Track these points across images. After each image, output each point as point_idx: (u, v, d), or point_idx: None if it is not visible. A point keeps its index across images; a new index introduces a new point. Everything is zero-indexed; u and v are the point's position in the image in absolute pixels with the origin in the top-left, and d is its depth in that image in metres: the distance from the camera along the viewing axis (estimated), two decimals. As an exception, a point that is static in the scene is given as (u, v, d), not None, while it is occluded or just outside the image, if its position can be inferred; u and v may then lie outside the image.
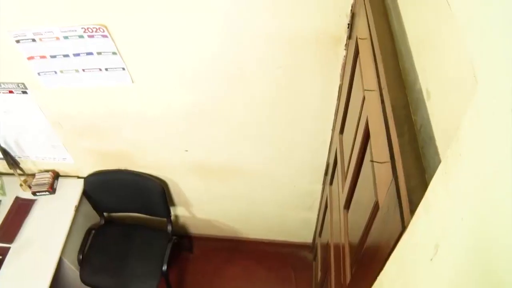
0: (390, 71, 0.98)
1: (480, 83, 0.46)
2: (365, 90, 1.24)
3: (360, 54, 1.37)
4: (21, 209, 2.31)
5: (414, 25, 0.93)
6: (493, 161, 0.41)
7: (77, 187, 2.42)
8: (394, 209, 0.78)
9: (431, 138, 0.79)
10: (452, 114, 0.64)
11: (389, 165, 0.87)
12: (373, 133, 1.12)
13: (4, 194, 2.39)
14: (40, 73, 1.78)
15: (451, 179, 0.50)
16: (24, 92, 1.91)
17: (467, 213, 0.46)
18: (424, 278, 0.60)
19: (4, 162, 2.28)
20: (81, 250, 2.50)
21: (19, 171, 2.33)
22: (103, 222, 2.72)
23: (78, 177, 2.47)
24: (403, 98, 0.92)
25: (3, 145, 2.21)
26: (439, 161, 0.75)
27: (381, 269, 0.85)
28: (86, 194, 2.48)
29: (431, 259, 0.56)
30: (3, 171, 2.46)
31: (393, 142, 0.87)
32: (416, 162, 0.81)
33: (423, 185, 0.77)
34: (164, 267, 2.42)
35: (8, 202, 2.35)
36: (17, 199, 2.36)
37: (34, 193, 2.35)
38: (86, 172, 2.45)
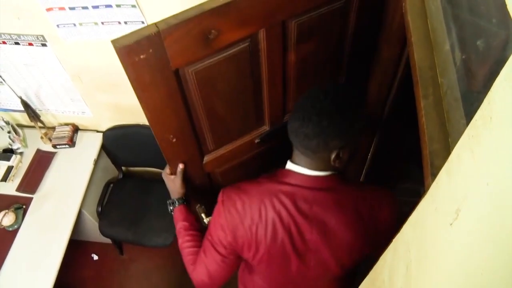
0: (417, 30, 0.95)
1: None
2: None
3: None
4: (42, 161, 2.36)
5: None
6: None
7: (96, 141, 2.46)
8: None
9: (457, 101, 0.76)
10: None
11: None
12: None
13: (26, 146, 2.44)
14: (59, 25, 1.76)
15: (478, 143, 0.48)
16: (44, 45, 1.91)
17: (493, 178, 0.45)
18: (442, 242, 0.59)
19: (25, 115, 2.31)
20: (100, 203, 2.57)
21: (39, 124, 2.36)
22: (121, 176, 2.78)
23: (97, 131, 2.50)
24: (429, 58, 0.89)
25: (24, 98, 2.23)
26: (464, 125, 0.73)
27: (397, 232, 0.85)
28: (105, 148, 2.51)
29: (450, 224, 0.55)
30: (25, 123, 2.50)
31: (417, 104, 0.85)
32: (440, 125, 0.79)
33: (446, 149, 0.76)
34: (181, 222, 2.47)
35: (30, 154, 2.40)
36: (38, 151, 2.41)
37: (54, 146, 2.39)
38: (105, 126, 2.47)
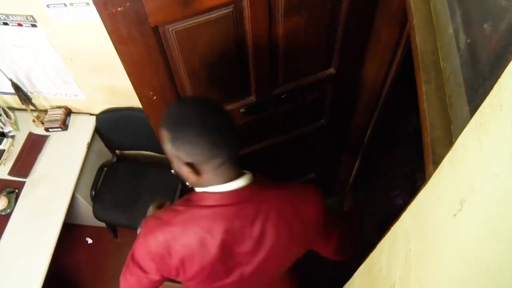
0: (419, 12, 0.92)
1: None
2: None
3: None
4: (34, 145, 2.33)
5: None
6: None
7: (89, 124, 2.42)
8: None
9: (460, 86, 0.74)
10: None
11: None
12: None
13: (17, 129, 2.40)
14: (49, 6, 1.71)
15: (486, 132, 0.46)
16: (34, 26, 1.85)
17: (502, 170, 0.43)
18: (444, 234, 0.57)
19: (16, 98, 2.27)
20: (94, 187, 2.54)
21: (31, 107, 2.32)
22: (115, 159, 2.75)
23: (90, 114, 2.46)
24: (432, 42, 0.86)
25: (15, 80, 2.18)
26: (468, 112, 0.71)
27: (396, 219, 0.84)
28: (98, 131, 2.48)
29: (454, 215, 0.53)
30: (16, 106, 2.45)
31: (418, 89, 0.83)
32: (441, 111, 0.77)
33: (448, 136, 0.73)
34: (175, 206, 2.46)
35: (21, 138, 2.36)
36: (30, 134, 2.37)
37: (46, 129, 2.35)
38: (98, 109, 2.43)
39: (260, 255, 1.16)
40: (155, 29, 1.18)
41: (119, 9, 1.08)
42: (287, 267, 1.28)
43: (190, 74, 1.39)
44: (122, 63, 1.25)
